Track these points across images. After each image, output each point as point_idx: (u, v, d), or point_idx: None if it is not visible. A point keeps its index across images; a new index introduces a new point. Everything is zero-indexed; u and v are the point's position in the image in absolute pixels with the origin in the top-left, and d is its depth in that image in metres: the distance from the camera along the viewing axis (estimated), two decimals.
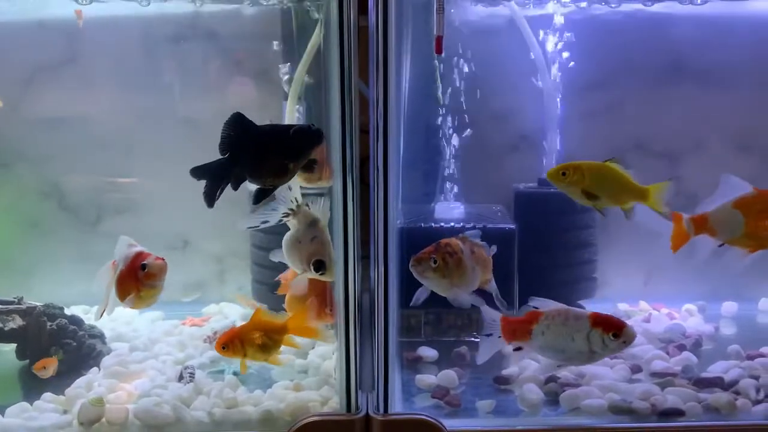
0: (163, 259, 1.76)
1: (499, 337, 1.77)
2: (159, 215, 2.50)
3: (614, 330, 1.71)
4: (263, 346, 1.81)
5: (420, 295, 1.84)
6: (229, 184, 1.68)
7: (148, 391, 1.89)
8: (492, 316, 1.78)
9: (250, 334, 1.82)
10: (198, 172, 1.68)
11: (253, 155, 1.66)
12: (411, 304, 1.85)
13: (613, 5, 2.39)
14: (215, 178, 1.67)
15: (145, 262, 1.74)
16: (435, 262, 1.79)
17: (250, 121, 1.66)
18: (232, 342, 1.82)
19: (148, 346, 2.20)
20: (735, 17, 2.44)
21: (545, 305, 1.77)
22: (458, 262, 1.81)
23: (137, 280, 1.74)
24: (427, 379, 1.97)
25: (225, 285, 2.61)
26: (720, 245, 1.83)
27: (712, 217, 1.82)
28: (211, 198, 1.68)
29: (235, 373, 1.97)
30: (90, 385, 1.93)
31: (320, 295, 1.92)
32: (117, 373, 1.99)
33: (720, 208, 1.82)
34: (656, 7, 2.39)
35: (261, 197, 1.71)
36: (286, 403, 1.83)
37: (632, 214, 1.84)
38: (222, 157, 1.67)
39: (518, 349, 1.78)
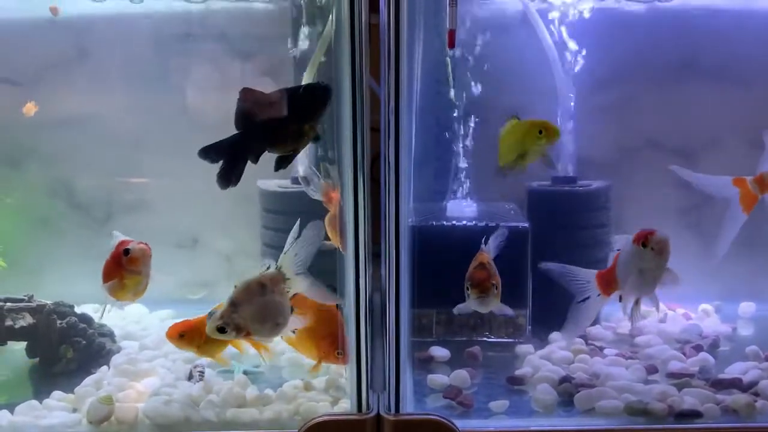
0: (146, 244, 1.74)
1: (599, 295, 1.75)
2: (169, 213, 2.50)
3: (642, 240, 1.67)
4: (206, 345, 1.79)
5: (464, 310, 1.82)
6: (248, 161, 1.63)
7: (158, 389, 1.88)
8: (586, 276, 1.75)
9: (197, 330, 1.79)
10: (211, 152, 1.62)
11: (267, 124, 1.62)
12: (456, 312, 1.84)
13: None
14: (232, 157, 1.61)
15: (127, 247, 1.73)
16: (497, 288, 1.77)
17: (260, 92, 1.63)
18: (191, 332, 1.79)
19: (158, 345, 2.18)
20: (750, 12, 2.40)
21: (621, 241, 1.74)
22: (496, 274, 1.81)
23: (121, 267, 1.74)
24: (439, 379, 1.95)
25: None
26: None
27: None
28: (227, 178, 1.62)
29: (245, 372, 1.96)
30: (99, 383, 1.93)
31: (331, 335, 1.85)
32: (127, 371, 1.98)
33: None
34: (671, 2, 2.36)
35: (282, 165, 1.67)
36: (296, 403, 1.82)
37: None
38: (235, 133, 1.62)
39: (620, 298, 1.76)
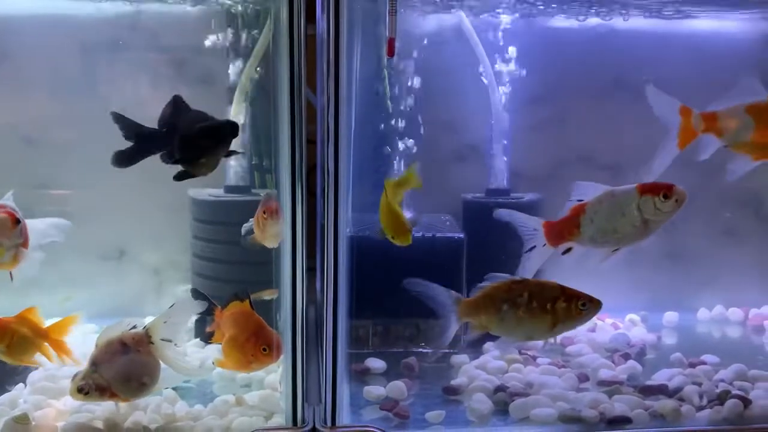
0: (12, 215, 1.66)
1: (544, 245, 1.71)
2: (94, 224, 2.38)
3: (664, 191, 1.65)
4: (14, 346, 1.70)
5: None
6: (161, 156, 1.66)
7: (79, 407, 1.78)
8: (533, 224, 1.72)
9: (6, 328, 1.70)
10: (129, 129, 1.64)
11: (179, 140, 1.63)
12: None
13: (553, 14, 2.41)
14: (142, 144, 1.63)
15: None
16: None
17: (186, 105, 1.65)
18: None
19: (81, 360, 2.07)
20: (676, 33, 2.52)
21: (588, 191, 1.71)
22: None
23: None
24: (375, 390, 1.93)
25: (163, 297, 2.51)
26: (724, 146, 1.76)
27: (721, 116, 1.75)
28: (126, 160, 1.63)
29: (174, 387, 1.88)
30: (14, 402, 1.82)
31: (252, 335, 1.76)
32: (45, 389, 1.87)
33: (732, 109, 1.74)
34: (601, 21, 2.45)
35: (181, 178, 1.67)
36: (227, 419, 1.76)
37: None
38: (158, 129, 1.65)
39: (568, 251, 1.72)
